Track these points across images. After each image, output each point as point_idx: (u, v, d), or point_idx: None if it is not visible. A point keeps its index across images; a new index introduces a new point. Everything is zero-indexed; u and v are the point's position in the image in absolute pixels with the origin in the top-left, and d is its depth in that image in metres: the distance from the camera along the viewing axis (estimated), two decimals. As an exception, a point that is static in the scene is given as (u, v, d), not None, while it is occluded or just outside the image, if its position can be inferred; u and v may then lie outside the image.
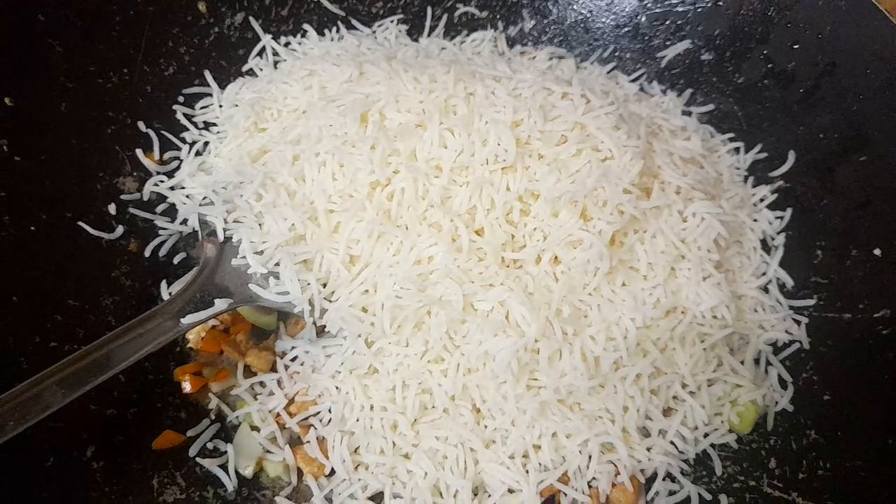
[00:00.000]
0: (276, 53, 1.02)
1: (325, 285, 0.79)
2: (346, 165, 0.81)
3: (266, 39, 1.01)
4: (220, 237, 0.81)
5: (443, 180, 0.79)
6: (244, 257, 0.79)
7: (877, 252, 0.84)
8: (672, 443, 0.80)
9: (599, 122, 0.81)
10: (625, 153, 0.80)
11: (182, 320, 0.74)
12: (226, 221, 0.82)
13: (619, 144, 0.80)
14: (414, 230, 0.78)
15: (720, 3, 1.01)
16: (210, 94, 0.98)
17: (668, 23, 1.06)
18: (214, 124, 0.97)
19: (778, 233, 0.93)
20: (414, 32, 1.10)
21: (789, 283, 0.90)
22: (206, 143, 0.95)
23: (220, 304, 0.76)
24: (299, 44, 1.03)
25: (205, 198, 0.86)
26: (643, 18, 1.07)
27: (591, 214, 0.78)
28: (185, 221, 0.90)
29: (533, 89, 0.83)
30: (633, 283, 0.80)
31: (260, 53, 1.02)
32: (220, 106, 0.97)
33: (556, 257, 0.79)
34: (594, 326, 0.78)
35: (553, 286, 0.78)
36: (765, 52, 0.99)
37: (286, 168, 0.84)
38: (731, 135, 1.01)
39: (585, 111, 0.82)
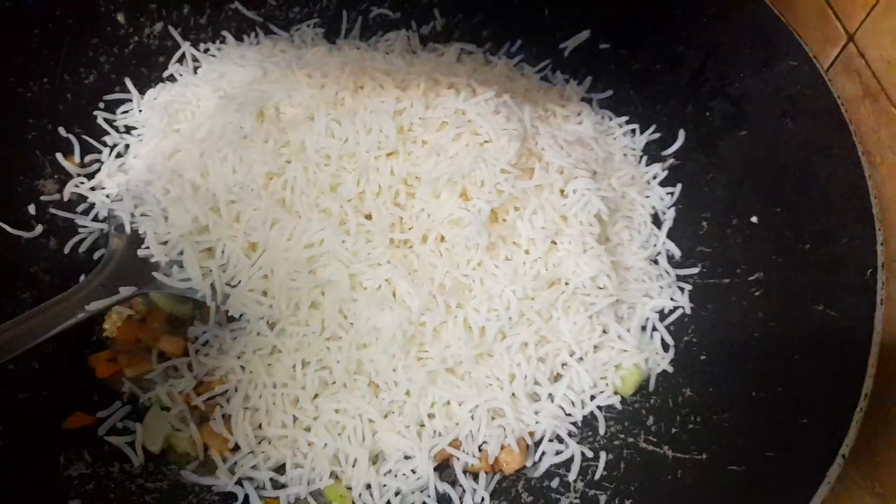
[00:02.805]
0: (195, 59, 1.07)
1: (225, 271, 0.85)
2: (244, 158, 0.86)
3: (185, 47, 1.07)
4: (127, 230, 0.86)
5: (331, 168, 0.84)
6: (148, 248, 0.85)
7: (754, 220, 0.89)
8: (560, 407, 0.85)
9: (479, 108, 0.86)
10: (502, 136, 0.85)
11: (87, 306, 0.79)
12: (133, 216, 0.87)
13: (497, 128, 0.85)
14: (306, 216, 0.83)
15: (613, -7, 1.07)
16: (131, 100, 1.03)
17: (568, 14, 1.11)
18: (135, 128, 1.02)
19: (668, 207, 0.98)
20: (332, 35, 1.15)
21: (677, 253, 0.95)
22: (128, 146, 1.01)
23: (125, 291, 0.81)
24: (218, 49, 1.09)
25: (117, 195, 0.92)
26: (546, 11, 1.12)
27: (470, 194, 0.83)
28: (104, 220, 0.95)
29: (419, 80, 0.88)
30: (516, 257, 0.85)
31: (180, 60, 1.07)
32: (140, 111, 1.02)
33: (442, 237, 0.84)
34: (477, 299, 0.82)
35: (437, 262, 0.82)
36: (656, 38, 1.04)
37: (192, 164, 0.89)
38: (627, 118, 1.05)
39: (466, 99, 0.87)
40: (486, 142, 0.85)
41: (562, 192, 0.88)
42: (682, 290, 0.91)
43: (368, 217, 0.84)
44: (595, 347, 0.87)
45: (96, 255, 0.94)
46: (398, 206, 0.84)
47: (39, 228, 0.91)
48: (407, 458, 0.82)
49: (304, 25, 1.14)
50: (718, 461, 0.73)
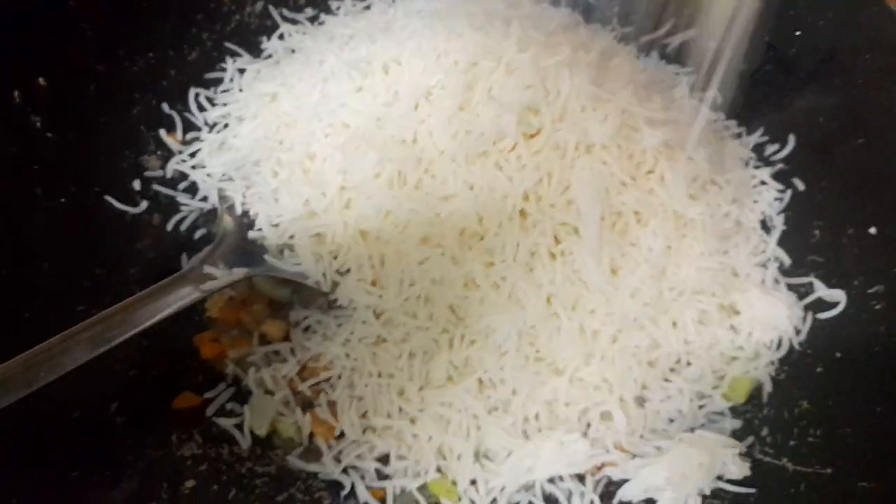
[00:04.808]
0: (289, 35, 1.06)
1: (336, 258, 0.84)
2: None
3: (284, 27, 1.06)
4: (239, 211, 0.86)
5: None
6: (260, 230, 0.84)
7: (872, 230, 0.87)
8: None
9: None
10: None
11: (201, 286, 0.78)
12: (244, 196, 0.87)
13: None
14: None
15: (724, -8, 1.04)
16: (231, 78, 1.02)
17: (673, 11, 1.08)
18: (235, 105, 1.01)
19: (778, 214, 0.96)
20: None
21: (787, 261, 0.92)
22: (227, 125, 1.00)
23: (238, 272, 0.81)
24: (321, 24, 1.07)
25: (224, 174, 0.91)
26: (649, 6, 1.10)
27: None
28: (205, 198, 0.94)
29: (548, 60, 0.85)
30: (633, 261, 0.83)
31: (280, 37, 1.06)
32: (241, 90, 1.01)
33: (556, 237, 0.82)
34: (592, 302, 0.81)
35: (553, 263, 0.81)
36: (767, 38, 1.01)
37: (300, 146, 0.88)
38: (735, 120, 1.03)
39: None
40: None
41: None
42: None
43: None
44: (705, 353, 0.85)
45: (197, 235, 0.94)
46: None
47: (144, 204, 0.91)
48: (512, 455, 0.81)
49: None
50: (846, 477, 0.72)
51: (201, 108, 0.99)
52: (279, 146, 0.91)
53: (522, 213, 0.81)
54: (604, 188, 0.80)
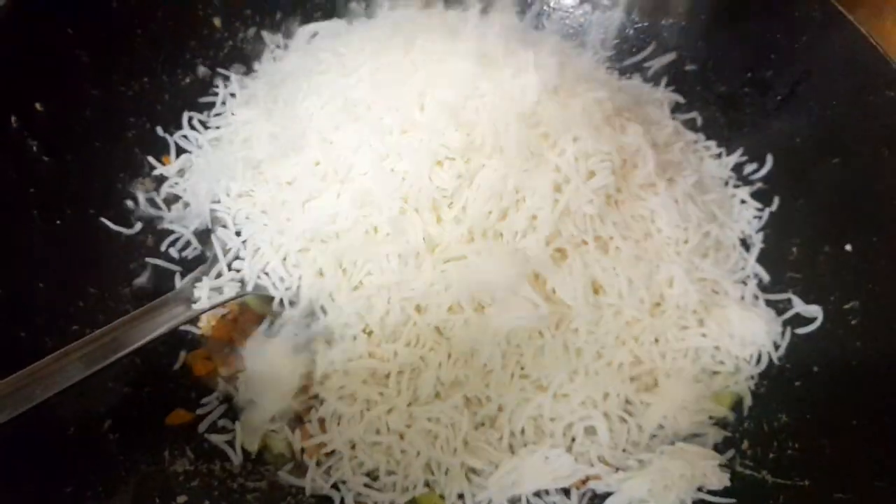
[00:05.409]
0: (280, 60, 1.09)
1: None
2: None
3: (276, 52, 1.09)
4: (231, 231, 0.88)
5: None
6: (257, 249, 0.86)
7: (848, 247, 0.89)
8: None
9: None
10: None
11: (193, 305, 0.80)
12: (235, 217, 0.89)
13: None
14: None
15: (702, 17, 1.07)
16: (224, 102, 1.05)
17: (654, 35, 1.12)
18: (227, 129, 1.03)
19: (756, 231, 0.98)
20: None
21: (766, 278, 0.95)
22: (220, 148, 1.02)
23: (229, 291, 0.83)
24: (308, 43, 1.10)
25: (216, 196, 0.93)
26: (631, 31, 1.13)
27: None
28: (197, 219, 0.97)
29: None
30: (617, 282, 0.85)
31: (273, 60, 1.09)
32: (233, 114, 1.03)
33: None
34: (576, 321, 0.83)
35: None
36: (744, 62, 1.04)
37: (283, 170, 0.90)
38: (714, 141, 1.06)
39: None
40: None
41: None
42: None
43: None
44: (687, 368, 0.87)
45: (190, 255, 0.96)
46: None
47: (138, 226, 0.93)
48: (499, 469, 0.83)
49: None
50: (823, 489, 0.74)
51: (196, 132, 1.01)
52: (269, 169, 0.93)
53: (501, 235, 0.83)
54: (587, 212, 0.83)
